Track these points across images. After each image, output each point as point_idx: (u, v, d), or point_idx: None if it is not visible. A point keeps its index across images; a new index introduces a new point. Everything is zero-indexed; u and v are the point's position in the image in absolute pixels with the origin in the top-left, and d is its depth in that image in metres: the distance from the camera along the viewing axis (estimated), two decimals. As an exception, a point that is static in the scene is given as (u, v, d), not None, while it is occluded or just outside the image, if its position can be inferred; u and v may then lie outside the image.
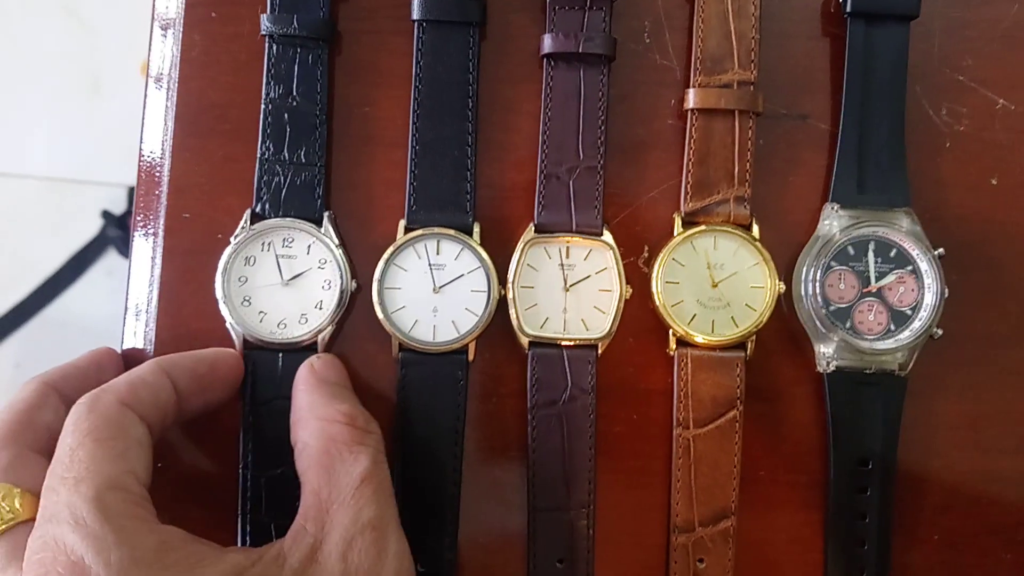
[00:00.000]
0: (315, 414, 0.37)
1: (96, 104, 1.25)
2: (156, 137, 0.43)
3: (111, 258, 1.24)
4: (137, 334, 0.43)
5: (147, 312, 0.42)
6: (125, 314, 0.43)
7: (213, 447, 0.41)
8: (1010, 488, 0.43)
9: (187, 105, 0.42)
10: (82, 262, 1.24)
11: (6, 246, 1.23)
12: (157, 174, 0.43)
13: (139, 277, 0.43)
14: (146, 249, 0.43)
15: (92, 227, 1.23)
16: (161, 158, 0.43)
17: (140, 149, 0.44)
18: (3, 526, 0.34)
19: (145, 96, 0.44)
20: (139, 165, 0.43)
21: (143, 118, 0.44)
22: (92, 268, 1.24)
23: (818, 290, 0.41)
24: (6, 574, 0.33)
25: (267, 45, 0.41)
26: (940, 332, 0.41)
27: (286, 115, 0.41)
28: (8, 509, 0.34)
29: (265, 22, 0.41)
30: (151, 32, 0.44)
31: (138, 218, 0.43)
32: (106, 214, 1.23)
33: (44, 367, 0.42)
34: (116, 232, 1.23)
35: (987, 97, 0.44)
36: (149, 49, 0.44)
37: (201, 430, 0.41)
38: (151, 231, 0.42)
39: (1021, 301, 0.43)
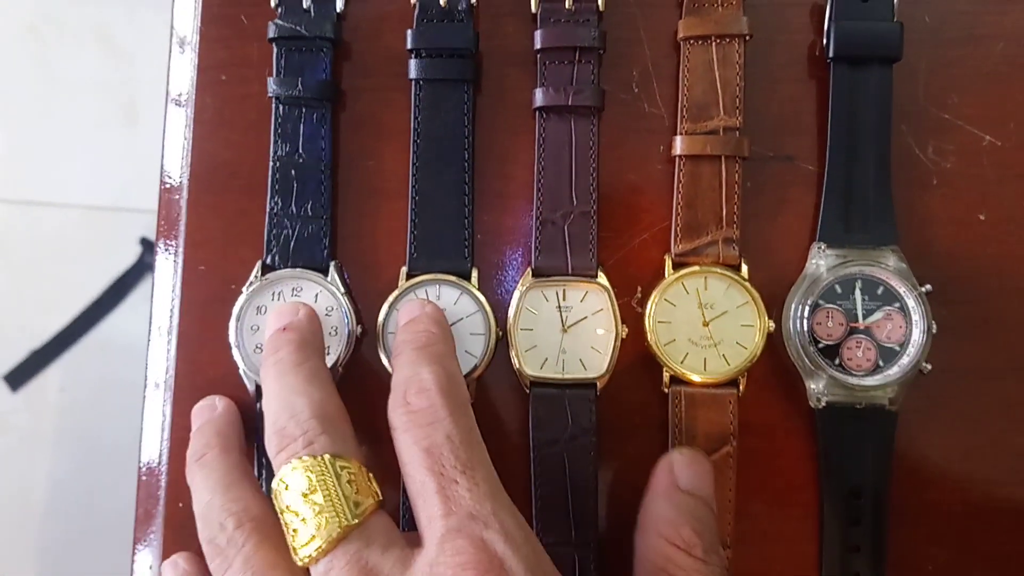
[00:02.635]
0: (658, 528, 0.38)
1: (133, 133, 1.29)
2: (176, 160, 0.46)
3: (150, 284, 1.28)
4: (158, 377, 0.45)
5: (167, 359, 0.45)
6: (148, 348, 0.46)
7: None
8: (1004, 519, 0.43)
9: (201, 164, 0.45)
10: (122, 288, 1.28)
11: (49, 273, 1.27)
12: (176, 212, 0.45)
13: (159, 320, 0.45)
14: (165, 299, 0.45)
15: (131, 254, 1.28)
16: (180, 182, 0.45)
17: (161, 171, 0.46)
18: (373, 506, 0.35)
19: (165, 117, 0.47)
20: (160, 190, 0.46)
21: (163, 140, 0.47)
22: (132, 293, 1.28)
23: (806, 328, 0.42)
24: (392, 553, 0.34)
25: (274, 106, 0.44)
26: (929, 367, 0.42)
27: (293, 171, 0.44)
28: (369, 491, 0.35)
29: (272, 85, 0.44)
30: (170, 51, 0.47)
31: (158, 247, 0.46)
32: (144, 241, 1.27)
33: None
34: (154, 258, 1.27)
35: (974, 134, 0.44)
36: (168, 68, 0.47)
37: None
38: (170, 283, 0.45)
39: (1010, 334, 0.44)
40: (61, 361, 1.25)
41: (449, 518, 0.33)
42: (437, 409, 0.36)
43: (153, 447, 0.45)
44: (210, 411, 0.42)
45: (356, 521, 0.34)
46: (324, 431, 0.36)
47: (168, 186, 0.46)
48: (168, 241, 0.45)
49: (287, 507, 0.35)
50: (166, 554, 0.44)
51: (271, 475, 0.37)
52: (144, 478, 0.45)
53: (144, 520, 0.45)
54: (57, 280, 1.28)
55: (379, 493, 0.36)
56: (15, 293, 1.27)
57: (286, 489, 0.35)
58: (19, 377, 1.25)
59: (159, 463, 0.45)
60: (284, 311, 0.41)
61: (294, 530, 0.34)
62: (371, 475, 0.36)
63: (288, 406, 0.37)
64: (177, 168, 0.46)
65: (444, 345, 0.39)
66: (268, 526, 0.36)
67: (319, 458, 0.35)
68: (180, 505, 0.44)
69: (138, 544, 0.45)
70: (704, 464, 0.40)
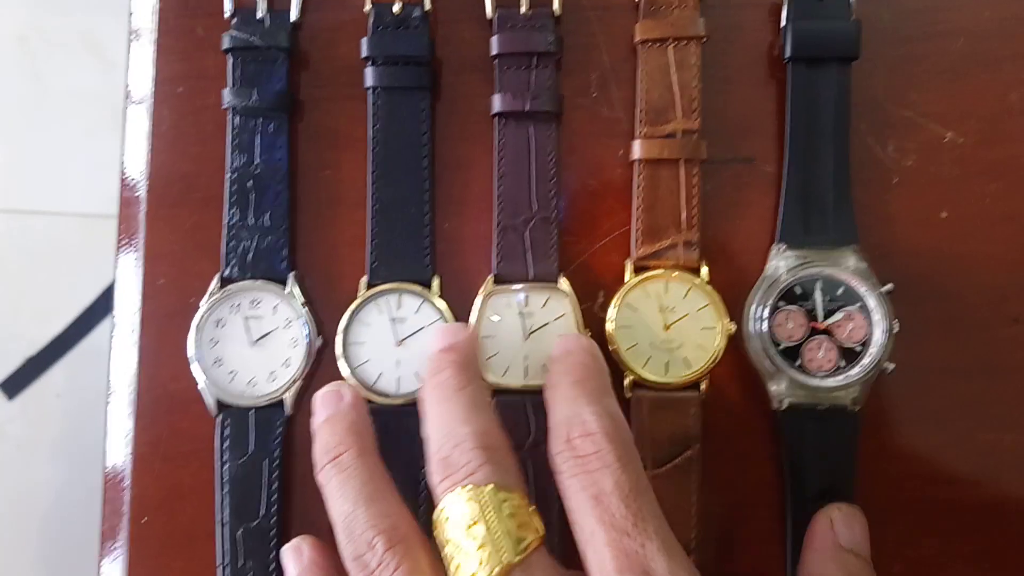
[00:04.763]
0: None
1: (124, 141, 1.29)
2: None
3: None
4: (120, 393, 0.45)
5: (129, 374, 0.45)
6: (109, 359, 0.45)
7: (193, 503, 0.44)
8: (971, 517, 0.43)
9: (158, 177, 0.45)
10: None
11: (43, 281, 1.28)
12: (134, 225, 0.45)
13: (120, 338, 0.45)
14: (127, 312, 0.45)
15: (124, 261, 1.27)
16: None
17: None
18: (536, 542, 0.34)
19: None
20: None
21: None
22: (125, 300, 1.28)
23: (766, 329, 0.42)
24: None
25: (229, 117, 0.44)
26: (892, 366, 0.42)
27: (250, 182, 0.44)
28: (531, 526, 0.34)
29: (227, 96, 0.43)
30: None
31: (119, 259, 0.46)
32: (136, 248, 1.27)
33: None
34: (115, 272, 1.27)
35: (934, 131, 0.44)
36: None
37: (181, 487, 0.44)
38: (130, 296, 0.45)
39: (975, 332, 0.43)
40: (57, 368, 1.26)
41: (622, 574, 0.32)
42: (604, 455, 0.34)
43: (118, 455, 0.45)
44: (336, 401, 0.39)
45: (518, 558, 0.33)
46: (487, 461, 0.35)
47: (128, 197, 0.46)
48: (127, 250, 0.45)
49: (448, 539, 0.34)
50: (132, 571, 0.44)
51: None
52: (109, 493, 0.45)
53: (109, 535, 0.45)
54: (51, 287, 1.28)
55: (541, 528, 0.35)
56: (9, 301, 1.27)
57: (447, 520, 0.34)
58: (15, 385, 1.26)
59: (123, 477, 0.45)
60: (448, 331, 0.40)
61: (457, 564, 0.33)
62: (533, 508, 0.35)
63: (451, 434, 0.36)
64: (136, 181, 0.46)
65: (601, 379, 0.38)
66: (418, 546, 0.35)
67: (482, 489, 0.34)
68: (145, 520, 0.44)
69: (104, 559, 0.45)
70: (863, 521, 0.40)
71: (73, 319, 1.27)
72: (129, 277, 0.45)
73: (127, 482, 0.44)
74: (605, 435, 0.35)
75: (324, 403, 0.40)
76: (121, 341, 0.45)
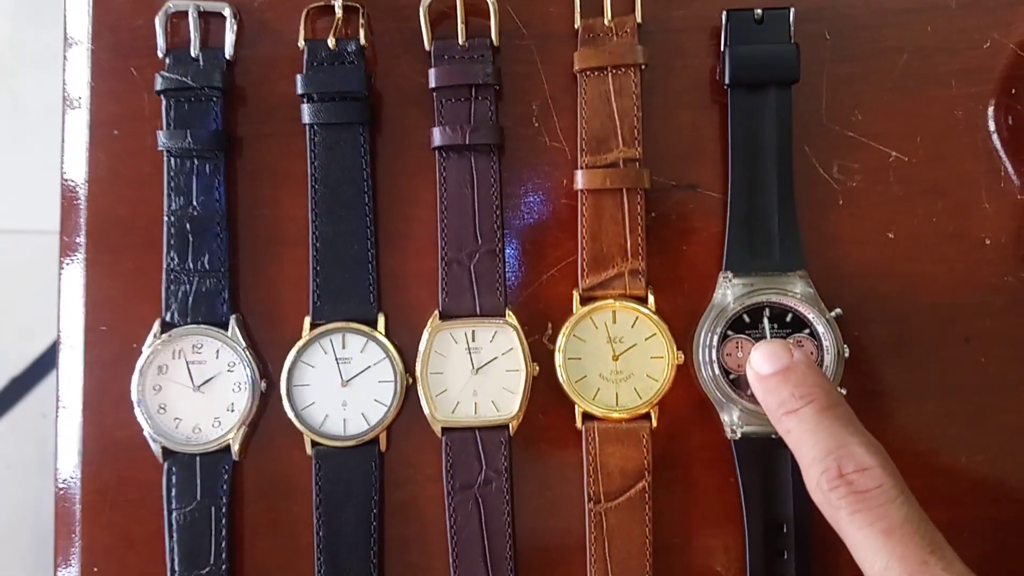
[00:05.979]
0: None
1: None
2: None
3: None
4: (70, 441, 0.44)
5: (76, 422, 0.44)
6: (57, 417, 0.45)
7: (143, 551, 0.43)
8: (928, 539, 0.43)
9: (97, 221, 0.44)
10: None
11: (26, 300, 1.27)
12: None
13: (65, 384, 0.45)
14: (71, 360, 0.44)
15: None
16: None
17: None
18: None
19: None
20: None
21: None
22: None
23: (715, 358, 0.42)
24: None
25: (165, 159, 0.43)
26: (843, 391, 0.41)
27: (187, 225, 0.43)
28: None
29: (161, 138, 0.43)
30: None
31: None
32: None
33: None
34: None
35: (879, 151, 0.44)
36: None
37: (131, 535, 0.43)
38: (72, 344, 0.44)
39: (926, 354, 0.43)
40: (42, 387, 1.25)
41: None
42: (887, 490, 0.34)
43: (67, 503, 0.44)
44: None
45: None
46: None
47: (68, 243, 0.45)
48: (70, 272, 0.45)
49: None
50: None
51: None
52: (60, 542, 0.44)
53: (60, 585, 0.44)
54: (34, 306, 1.27)
55: None
56: (-7, 321, 1.26)
57: None
58: (1, 405, 1.25)
59: (73, 525, 0.44)
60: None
61: None
62: None
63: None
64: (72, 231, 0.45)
65: (843, 401, 0.37)
66: None
67: None
68: (95, 570, 0.43)
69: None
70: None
71: (56, 338, 1.26)
72: (72, 324, 0.45)
73: (77, 530, 0.44)
74: (883, 469, 0.35)
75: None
76: (67, 388, 0.44)
